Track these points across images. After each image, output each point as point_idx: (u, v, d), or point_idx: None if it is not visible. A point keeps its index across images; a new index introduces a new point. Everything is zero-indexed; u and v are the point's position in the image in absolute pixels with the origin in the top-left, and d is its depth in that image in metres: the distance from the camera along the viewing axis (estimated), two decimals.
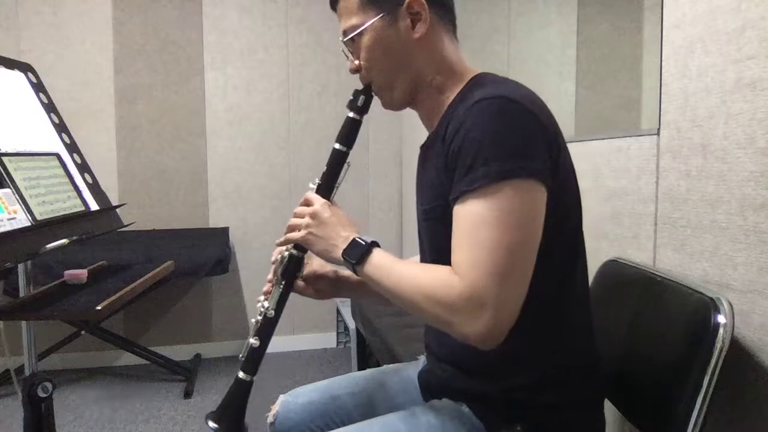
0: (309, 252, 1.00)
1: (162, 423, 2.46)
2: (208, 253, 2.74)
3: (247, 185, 3.27)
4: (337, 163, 1.01)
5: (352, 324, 2.74)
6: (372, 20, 0.93)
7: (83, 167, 1.54)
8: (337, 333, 3.43)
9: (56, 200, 1.35)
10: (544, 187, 0.80)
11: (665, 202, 1.17)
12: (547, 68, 1.81)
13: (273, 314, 1.00)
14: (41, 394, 1.28)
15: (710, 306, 0.87)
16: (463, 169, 0.81)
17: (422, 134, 1.01)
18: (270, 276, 1.03)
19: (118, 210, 1.61)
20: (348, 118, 1.01)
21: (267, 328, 1.00)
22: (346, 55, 1.01)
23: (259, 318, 1.00)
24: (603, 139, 1.36)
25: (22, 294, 1.41)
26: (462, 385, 0.95)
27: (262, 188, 3.29)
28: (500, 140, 0.79)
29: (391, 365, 1.21)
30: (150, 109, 3.13)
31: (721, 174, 1.00)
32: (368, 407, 1.08)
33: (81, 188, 1.47)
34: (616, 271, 1.19)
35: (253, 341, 0.99)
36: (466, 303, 0.77)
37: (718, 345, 0.83)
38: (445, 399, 0.97)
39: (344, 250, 0.90)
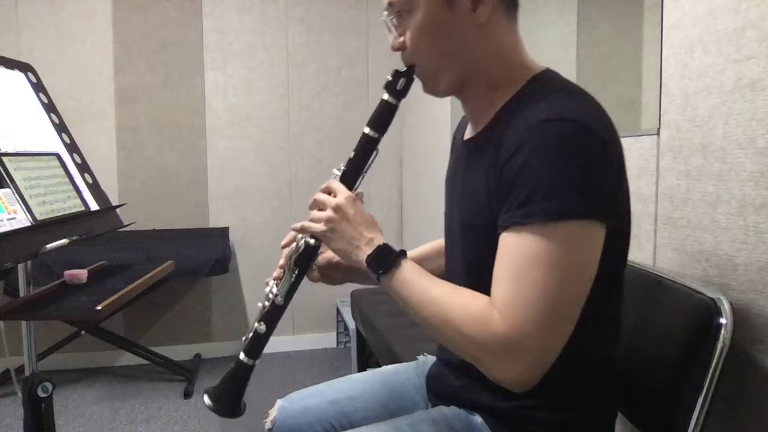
0: None
1: (162, 423, 2.46)
2: (208, 253, 2.74)
3: (247, 185, 3.27)
4: (365, 149, 0.91)
5: (352, 324, 2.74)
6: None
7: (83, 167, 1.54)
8: (337, 333, 3.43)
9: (56, 200, 1.34)
10: (604, 228, 0.73)
11: (665, 202, 1.17)
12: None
13: (282, 302, 0.94)
14: (41, 394, 1.28)
15: (711, 306, 0.87)
16: (518, 197, 0.73)
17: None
18: (282, 261, 0.97)
19: (118, 210, 1.61)
20: (383, 101, 0.89)
21: (274, 314, 0.95)
22: (388, 28, 0.88)
23: (267, 304, 0.95)
24: None
25: (22, 294, 1.41)
26: (477, 396, 0.91)
27: (262, 188, 3.29)
28: (565, 174, 0.70)
29: (389, 366, 1.19)
30: (150, 109, 3.12)
31: (721, 174, 1.00)
32: (368, 411, 1.07)
33: (81, 188, 1.47)
34: None
35: (259, 326, 0.95)
36: (502, 346, 0.71)
37: (719, 345, 0.83)
38: (454, 407, 0.94)
39: (369, 255, 0.83)
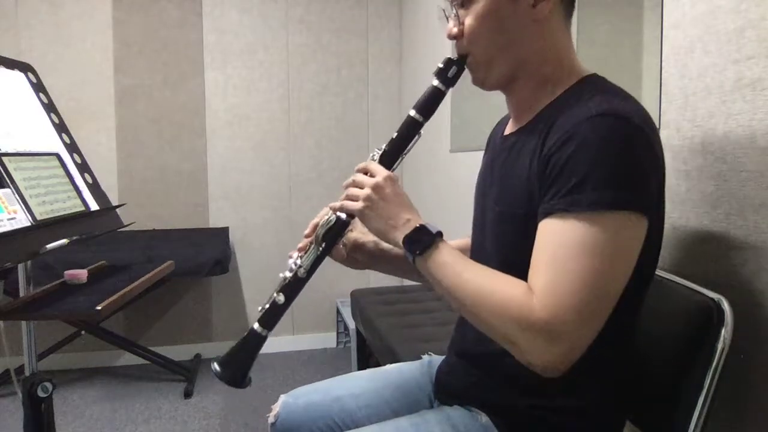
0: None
1: (162, 423, 2.46)
2: (208, 253, 2.74)
3: (247, 185, 3.27)
4: (409, 131, 0.92)
5: (352, 324, 2.74)
6: None
7: (83, 167, 1.54)
8: (337, 333, 3.43)
9: (56, 200, 1.34)
10: (647, 222, 0.75)
11: (665, 202, 1.17)
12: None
13: (305, 275, 0.94)
14: (41, 394, 1.28)
15: (711, 306, 0.87)
16: (566, 186, 0.73)
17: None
18: (308, 231, 0.97)
19: (118, 210, 1.61)
20: (432, 86, 0.90)
21: (295, 286, 0.94)
22: (446, 17, 0.90)
23: (289, 274, 0.94)
24: None
25: (22, 294, 1.41)
26: (487, 394, 0.91)
27: (262, 188, 3.29)
28: (615, 166, 0.72)
29: (393, 365, 1.19)
30: (150, 109, 3.13)
31: (721, 174, 1.00)
32: (371, 408, 1.06)
33: (81, 188, 1.47)
34: None
35: (278, 297, 0.94)
36: (540, 332, 0.72)
37: (720, 345, 0.84)
38: (457, 406, 0.94)
39: (407, 235, 0.83)
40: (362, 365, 2.67)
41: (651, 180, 0.75)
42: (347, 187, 0.92)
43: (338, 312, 3.35)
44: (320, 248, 0.94)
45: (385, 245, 1.04)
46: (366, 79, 3.39)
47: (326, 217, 0.95)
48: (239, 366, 0.96)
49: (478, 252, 0.99)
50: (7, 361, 1.64)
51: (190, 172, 3.20)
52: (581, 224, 0.72)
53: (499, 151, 0.95)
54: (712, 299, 0.88)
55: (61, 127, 1.54)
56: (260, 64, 3.24)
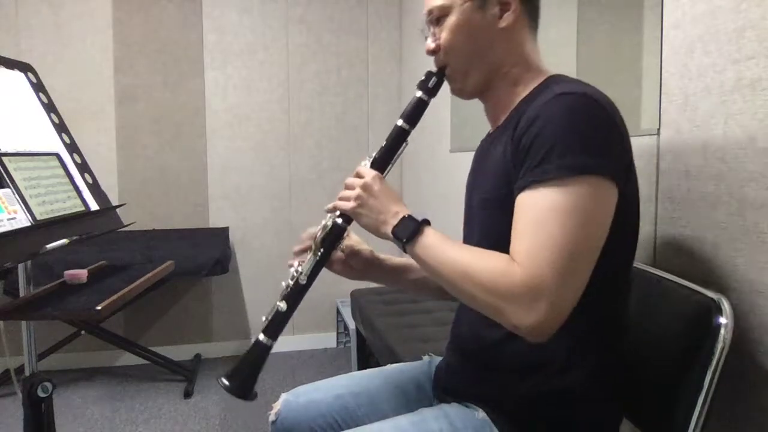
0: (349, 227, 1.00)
1: (162, 423, 2.46)
2: (208, 253, 2.74)
3: (247, 185, 3.27)
4: (397, 139, 1.00)
5: (352, 324, 2.74)
6: (462, 3, 0.93)
7: (83, 167, 1.54)
8: (337, 333, 3.43)
9: (56, 200, 1.34)
10: (616, 189, 0.79)
11: (665, 202, 1.17)
12: (547, 68, 1.80)
13: (306, 281, 0.98)
14: (41, 394, 1.28)
15: (711, 306, 0.87)
16: (535, 159, 0.79)
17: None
18: (303, 236, 1.03)
19: (118, 210, 1.61)
20: (416, 97, 0.99)
21: (297, 294, 0.98)
22: (424, 36, 1.00)
23: (290, 282, 0.99)
24: None
25: (22, 294, 1.41)
26: (483, 388, 0.93)
27: (262, 188, 3.29)
28: (579, 134, 0.78)
29: (393, 365, 1.20)
30: (150, 109, 3.13)
31: (721, 174, 1.00)
32: (371, 407, 1.07)
33: (81, 188, 1.47)
34: None
35: (281, 305, 0.97)
36: (523, 293, 0.76)
37: (719, 345, 0.84)
38: (455, 404, 0.95)
39: (395, 226, 0.90)
40: (362, 365, 2.67)
41: (615, 148, 0.80)
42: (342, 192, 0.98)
43: (338, 312, 3.35)
44: (319, 254, 0.99)
45: (381, 255, 1.11)
46: (366, 79, 3.39)
47: (323, 224, 1.00)
48: (247, 378, 0.98)
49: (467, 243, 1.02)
50: (7, 361, 1.64)
51: (190, 172, 3.20)
52: (552, 190, 0.77)
53: (482, 151, 1.04)
54: (712, 299, 0.88)
55: (61, 127, 1.54)
56: (260, 64, 3.24)
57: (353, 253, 1.09)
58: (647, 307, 1.04)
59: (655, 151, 1.20)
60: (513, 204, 0.82)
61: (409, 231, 0.88)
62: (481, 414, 0.91)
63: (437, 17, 0.95)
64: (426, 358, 1.17)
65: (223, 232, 3.16)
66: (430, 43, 0.98)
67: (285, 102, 3.30)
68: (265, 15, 3.23)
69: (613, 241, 0.80)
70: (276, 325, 0.98)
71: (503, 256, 0.80)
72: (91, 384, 2.89)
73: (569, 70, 1.67)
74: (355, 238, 1.09)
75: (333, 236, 0.99)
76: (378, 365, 1.24)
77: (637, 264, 1.17)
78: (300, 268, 0.99)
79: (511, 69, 0.95)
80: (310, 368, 3.09)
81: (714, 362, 0.83)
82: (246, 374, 0.97)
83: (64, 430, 2.38)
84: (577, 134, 0.78)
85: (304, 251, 1.02)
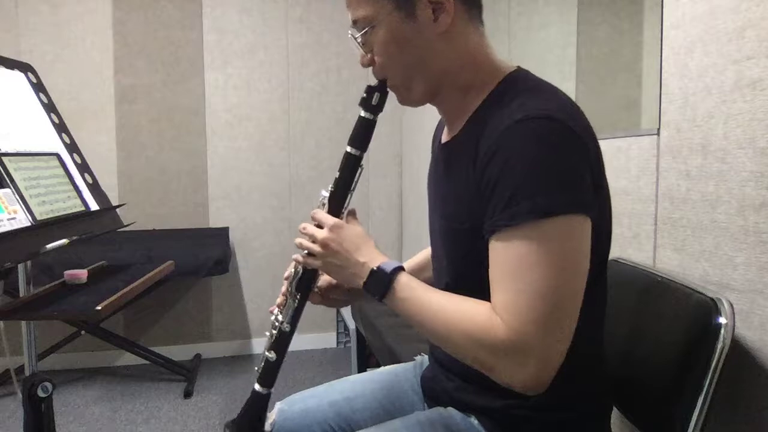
0: None
1: (162, 423, 2.46)
2: (208, 253, 2.74)
3: (247, 185, 3.27)
4: (350, 168, 0.92)
5: (352, 324, 2.74)
6: (386, 12, 0.83)
7: (83, 167, 1.54)
8: (337, 333, 3.43)
9: (56, 200, 1.35)
10: (590, 221, 0.74)
11: (665, 202, 1.17)
12: (547, 68, 1.81)
13: (288, 329, 0.97)
14: (41, 394, 1.28)
15: (711, 306, 0.87)
16: (502, 199, 0.73)
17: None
18: (284, 289, 0.99)
19: (118, 210, 1.61)
20: (360, 117, 0.92)
21: (283, 341, 0.97)
22: (356, 47, 0.91)
23: (274, 332, 0.97)
24: (603, 139, 1.35)
25: (22, 294, 1.41)
26: (470, 397, 0.91)
27: (262, 188, 3.29)
28: (545, 171, 0.71)
29: (387, 367, 1.19)
30: (150, 109, 3.12)
31: (721, 174, 1.00)
32: (366, 411, 1.07)
33: (81, 188, 1.47)
34: (616, 271, 1.18)
35: (269, 355, 0.97)
36: (508, 352, 0.72)
37: (719, 345, 0.83)
38: (451, 408, 0.95)
39: (365, 282, 0.85)
40: (362, 365, 2.67)
41: (583, 176, 0.74)
42: (302, 236, 0.92)
43: (338, 312, 3.35)
44: (296, 300, 0.97)
45: None
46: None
47: (293, 270, 0.97)
48: (251, 428, 1.00)
49: (435, 257, 0.99)
50: (7, 361, 1.65)
51: (190, 172, 3.20)
52: (524, 236, 0.71)
53: (440, 160, 0.95)
54: (712, 299, 0.88)
55: (61, 127, 1.54)
56: (260, 64, 3.24)
57: (331, 288, 1.07)
58: (647, 307, 1.04)
59: (655, 151, 1.20)
60: (478, 234, 0.78)
61: (381, 287, 0.83)
62: (474, 421, 0.91)
63: (363, 29, 0.86)
64: (418, 358, 1.16)
65: (223, 232, 3.16)
66: (362, 57, 0.90)
67: (285, 102, 3.30)
68: (265, 15, 3.23)
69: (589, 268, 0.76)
70: (269, 374, 0.98)
71: (484, 308, 0.75)
72: (91, 384, 2.89)
73: (569, 70, 1.67)
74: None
75: (305, 280, 0.97)
76: (378, 365, 1.24)
77: (637, 264, 1.17)
78: (280, 317, 0.97)
79: (458, 75, 0.86)
80: (309, 368, 3.09)
81: (714, 362, 0.83)
82: (249, 424, 1.00)
83: (64, 430, 2.38)
84: (543, 170, 0.71)
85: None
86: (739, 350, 0.94)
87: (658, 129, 1.18)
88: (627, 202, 1.29)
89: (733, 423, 0.97)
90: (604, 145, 1.37)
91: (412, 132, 3.16)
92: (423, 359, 1.15)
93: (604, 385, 0.92)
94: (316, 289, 1.04)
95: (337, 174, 0.93)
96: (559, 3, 1.77)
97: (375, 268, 0.84)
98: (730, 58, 0.98)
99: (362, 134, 0.92)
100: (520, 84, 0.83)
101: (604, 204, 0.82)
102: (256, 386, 0.99)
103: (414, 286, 0.83)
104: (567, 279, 0.72)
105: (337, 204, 0.92)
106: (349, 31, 0.90)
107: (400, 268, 0.84)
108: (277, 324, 0.97)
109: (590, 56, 1.62)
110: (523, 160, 0.72)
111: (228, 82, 3.21)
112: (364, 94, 0.91)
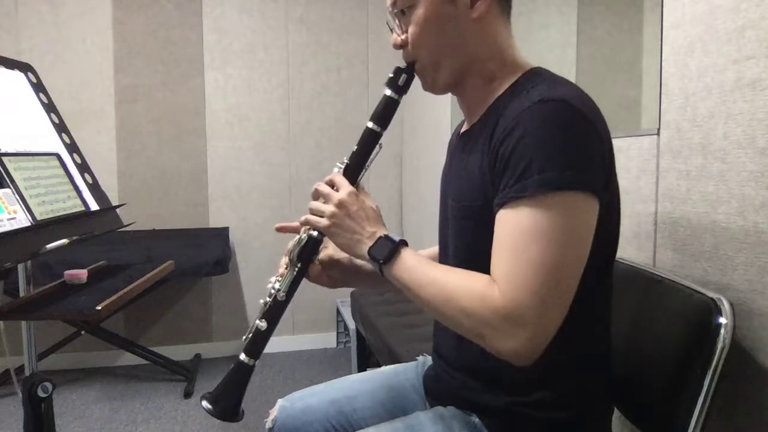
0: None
1: (162, 423, 2.46)
2: (208, 253, 2.74)
3: (247, 185, 3.27)
4: (368, 143, 0.94)
5: (352, 324, 2.74)
6: None
7: (83, 167, 1.54)
8: (337, 333, 3.43)
9: (56, 200, 1.34)
10: (598, 202, 0.76)
11: (665, 202, 1.17)
12: (547, 68, 1.80)
13: (284, 297, 0.95)
14: (41, 394, 1.28)
15: (711, 306, 0.87)
16: (514, 173, 0.75)
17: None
18: (285, 260, 0.99)
19: (118, 210, 1.61)
20: (385, 96, 0.93)
21: (276, 311, 0.95)
22: (390, 28, 0.93)
23: (269, 300, 0.96)
24: None
25: (22, 294, 1.41)
26: (473, 395, 0.91)
27: (262, 188, 3.29)
28: (558, 149, 0.74)
29: (389, 367, 1.19)
30: (150, 109, 3.12)
31: (721, 174, 1.00)
32: (367, 410, 1.07)
33: (81, 188, 1.47)
34: (616, 271, 1.19)
35: (260, 323, 0.95)
36: (504, 320, 0.73)
37: (719, 345, 0.83)
38: (452, 407, 0.95)
39: (371, 247, 0.86)
40: (362, 365, 2.68)
41: (595, 160, 0.76)
42: (313, 198, 0.94)
43: (338, 312, 3.35)
44: (296, 269, 0.96)
45: (358, 261, 1.04)
46: (366, 79, 3.39)
47: (297, 238, 0.97)
48: (230, 399, 0.95)
49: (443, 253, 1.00)
50: (7, 361, 1.64)
51: (190, 172, 3.20)
52: (531, 209, 0.73)
53: (456, 151, 0.98)
54: (712, 299, 0.88)
55: (61, 127, 1.54)
56: (260, 64, 3.24)
57: (332, 263, 1.06)
58: (647, 307, 1.04)
59: (655, 151, 1.20)
60: (489, 216, 0.79)
61: (386, 252, 0.84)
62: (476, 420, 0.91)
63: (401, 9, 0.89)
64: (420, 358, 1.16)
65: (223, 232, 3.16)
66: (396, 38, 0.92)
67: (285, 102, 3.30)
68: (265, 15, 3.23)
69: (592, 249, 0.77)
70: (257, 344, 0.95)
71: (483, 278, 0.77)
72: (91, 384, 2.89)
73: (569, 70, 1.68)
74: (332, 247, 1.04)
75: (309, 250, 0.96)
76: (378, 365, 1.24)
77: (637, 264, 1.17)
78: (278, 285, 0.96)
79: (485, 64, 0.89)
80: (309, 368, 3.09)
81: (714, 362, 0.83)
82: (230, 396, 0.95)
83: (64, 430, 2.38)
84: (556, 147, 0.74)
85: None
86: (739, 350, 0.94)
87: (658, 129, 1.18)
88: (627, 202, 1.29)
89: (733, 423, 0.97)
90: None
91: (412, 133, 3.16)
92: (425, 359, 1.15)
93: (607, 386, 0.92)
94: (317, 262, 1.03)
95: (355, 147, 0.94)
96: (559, 3, 1.77)
97: (382, 236, 0.87)
98: (730, 58, 0.98)
99: (385, 112, 0.94)
100: (540, 76, 0.86)
101: (612, 198, 0.83)
102: (242, 356, 0.95)
103: (417, 257, 0.85)
104: (568, 254, 0.73)
105: (352, 175, 0.94)
106: (388, 10, 0.92)
107: (406, 243, 0.87)
108: (273, 292, 0.96)
109: (590, 56, 1.62)
110: (537, 137, 0.74)
111: (228, 82, 3.21)
112: (391, 74, 0.93)
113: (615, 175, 0.84)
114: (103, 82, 3.06)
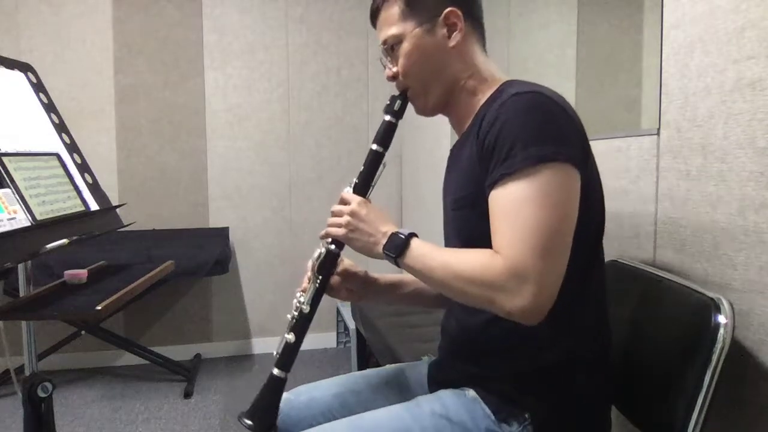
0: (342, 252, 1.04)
1: (162, 423, 2.46)
2: (208, 253, 2.74)
3: (247, 185, 3.27)
4: (373, 163, 1.05)
5: (352, 324, 2.74)
6: (411, 29, 1.00)
7: (83, 167, 1.54)
8: (337, 333, 3.43)
9: (56, 200, 1.34)
10: (578, 173, 0.85)
11: (665, 202, 1.17)
12: (547, 68, 1.81)
13: (308, 310, 1.02)
14: (41, 394, 1.28)
15: (710, 306, 0.87)
16: (500, 156, 0.85)
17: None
18: (307, 274, 1.07)
19: (118, 210, 1.61)
20: (385, 121, 1.06)
21: (302, 323, 1.02)
22: (383, 65, 1.07)
23: (295, 314, 1.03)
24: (603, 139, 1.36)
25: (22, 294, 1.41)
26: (472, 369, 0.97)
27: (262, 188, 3.29)
28: (537, 128, 0.84)
29: (393, 365, 1.21)
30: (150, 109, 3.13)
31: (721, 174, 1.00)
32: (370, 404, 1.08)
33: (81, 188, 1.47)
34: (616, 271, 1.19)
35: (288, 337, 1.02)
36: (508, 279, 0.80)
37: (719, 345, 0.84)
38: (449, 390, 0.99)
39: (384, 245, 0.95)
40: (362, 365, 2.67)
41: (571, 137, 0.86)
42: (331, 218, 1.03)
43: (338, 312, 3.35)
44: (317, 282, 1.04)
45: (375, 273, 1.16)
46: (366, 79, 3.39)
47: (317, 253, 1.05)
48: (267, 413, 1.02)
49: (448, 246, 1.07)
50: (7, 361, 1.64)
51: (190, 172, 3.20)
52: (519, 182, 0.83)
53: (452, 156, 1.09)
54: (712, 299, 0.88)
55: (61, 127, 1.54)
56: (260, 64, 3.24)
57: (349, 276, 1.13)
58: (647, 307, 1.05)
59: (655, 151, 1.20)
60: (483, 202, 0.88)
61: (398, 246, 0.93)
62: (470, 393, 0.95)
63: (392, 45, 1.02)
64: (425, 358, 1.18)
65: (223, 232, 3.16)
66: (389, 71, 1.05)
67: (285, 102, 3.30)
68: (265, 15, 3.23)
69: (579, 224, 0.85)
70: (287, 356, 1.02)
71: (486, 250, 0.85)
72: (91, 384, 2.89)
73: (569, 70, 1.68)
74: (348, 261, 1.13)
75: (328, 263, 1.04)
76: (378, 365, 1.25)
77: (637, 264, 1.17)
78: (302, 298, 1.03)
79: (467, 81, 1.02)
80: (310, 368, 3.09)
81: (714, 362, 0.83)
82: (266, 410, 1.02)
83: (64, 430, 2.38)
84: (535, 128, 0.84)
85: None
86: (739, 350, 0.94)
87: (658, 129, 1.18)
88: (627, 202, 1.30)
89: (732, 423, 0.97)
90: (604, 145, 1.38)
91: (412, 133, 3.16)
92: (430, 360, 1.16)
93: (607, 362, 0.97)
94: (337, 273, 1.10)
95: (362, 168, 1.06)
96: (559, 3, 1.77)
97: (393, 233, 0.96)
98: (730, 58, 0.98)
99: (385, 135, 1.06)
100: (516, 82, 0.98)
101: (592, 174, 0.92)
102: (275, 370, 1.02)
103: (426, 245, 0.94)
104: (557, 217, 0.82)
105: (361, 191, 1.04)
106: (380, 49, 1.06)
107: (415, 234, 0.96)
108: (298, 305, 1.03)
109: (590, 56, 1.62)
110: (517, 121, 0.85)
111: (228, 82, 3.21)
112: (388, 102, 1.06)
113: (593, 159, 0.92)
114: (103, 82, 3.06)
